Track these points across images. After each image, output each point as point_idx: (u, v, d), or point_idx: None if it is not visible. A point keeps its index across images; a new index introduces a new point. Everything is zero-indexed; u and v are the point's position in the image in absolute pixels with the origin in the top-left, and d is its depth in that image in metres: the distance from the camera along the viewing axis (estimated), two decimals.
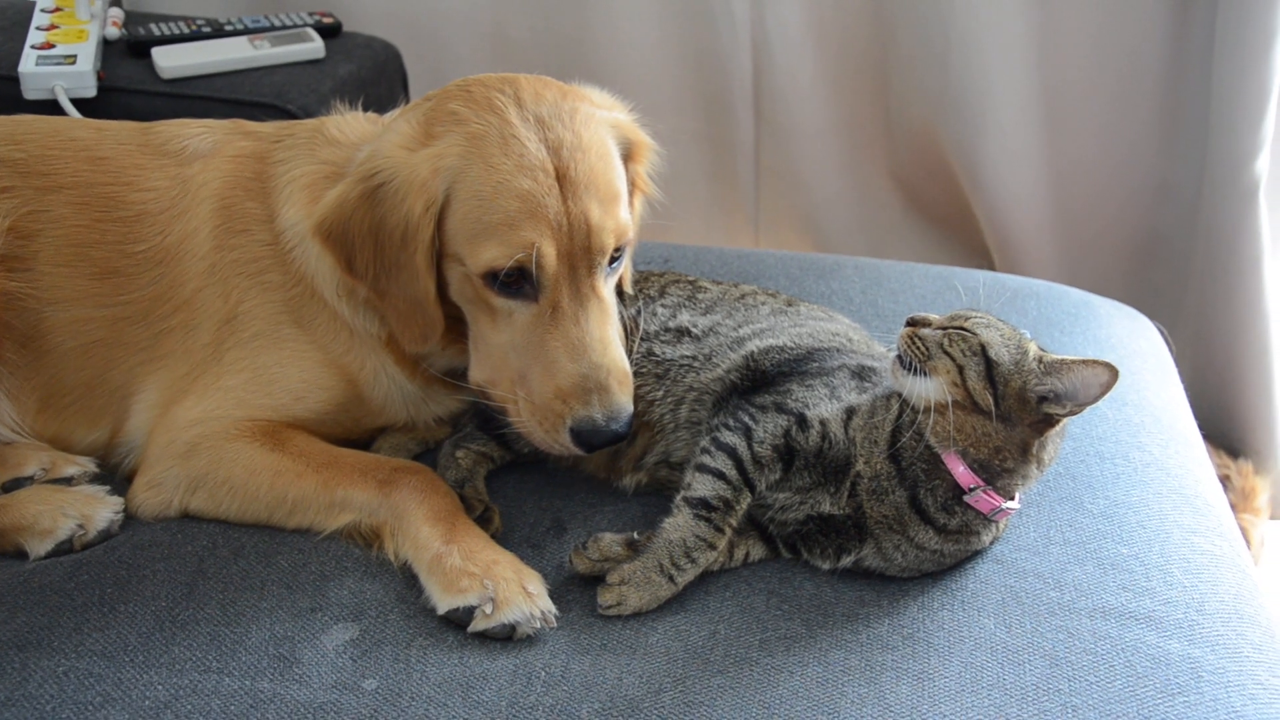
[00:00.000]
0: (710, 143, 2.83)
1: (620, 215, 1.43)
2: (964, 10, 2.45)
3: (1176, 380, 1.89)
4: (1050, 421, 1.33)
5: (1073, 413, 1.32)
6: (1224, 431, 2.54)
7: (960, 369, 1.32)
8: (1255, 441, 2.53)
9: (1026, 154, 2.57)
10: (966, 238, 2.81)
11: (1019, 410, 1.31)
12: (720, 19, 2.64)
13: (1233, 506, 2.15)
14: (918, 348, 1.34)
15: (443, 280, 1.46)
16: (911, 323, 1.37)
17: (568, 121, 1.42)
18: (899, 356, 1.35)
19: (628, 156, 1.51)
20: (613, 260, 1.45)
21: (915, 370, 1.33)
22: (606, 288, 1.45)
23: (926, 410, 1.32)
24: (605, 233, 1.40)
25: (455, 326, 1.50)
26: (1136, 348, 1.89)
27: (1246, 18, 2.21)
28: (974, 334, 1.34)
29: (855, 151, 2.79)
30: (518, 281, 1.40)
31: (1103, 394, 1.29)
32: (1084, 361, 1.29)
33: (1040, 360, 1.32)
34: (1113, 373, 1.28)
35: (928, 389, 1.32)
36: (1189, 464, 1.65)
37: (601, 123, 1.46)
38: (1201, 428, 1.83)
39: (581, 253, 1.40)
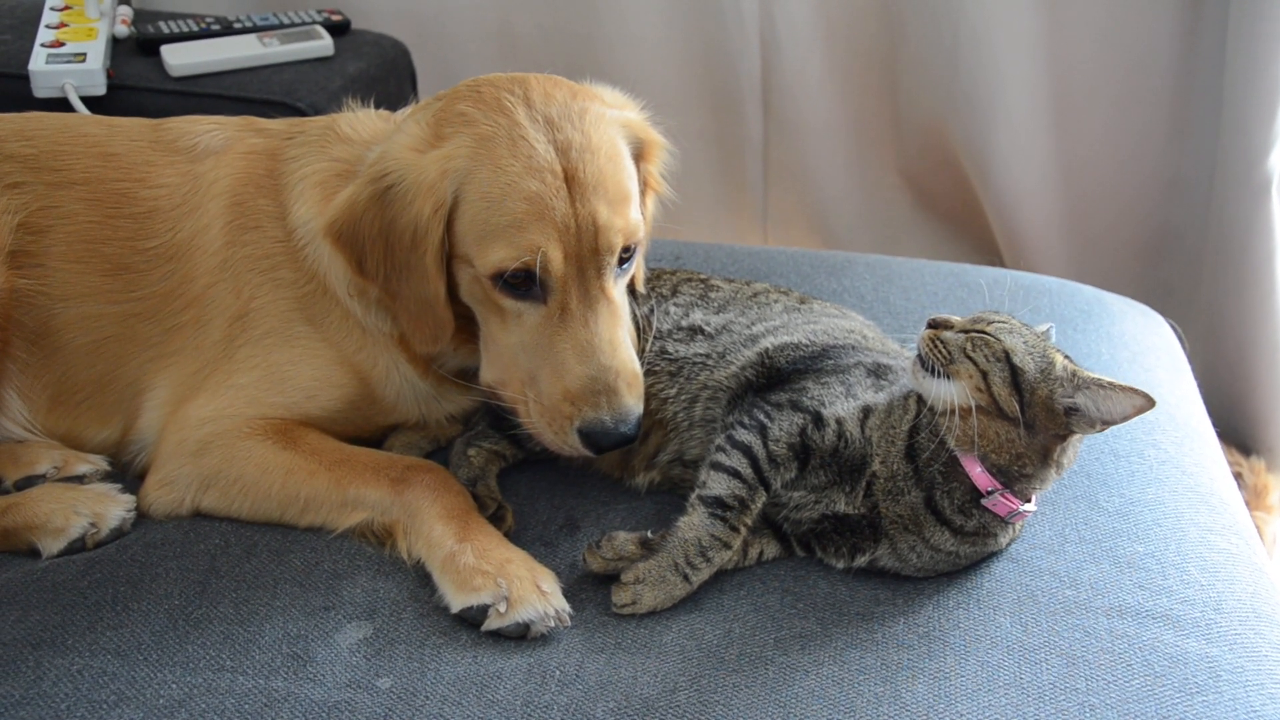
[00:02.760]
0: (719, 139, 2.83)
1: (630, 216, 1.42)
2: (973, 6, 2.44)
3: (1190, 378, 1.88)
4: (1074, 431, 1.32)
5: (1099, 430, 1.31)
6: (1236, 428, 2.54)
7: (984, 374, 1.30)
8: (1268, 438, 2.52)
9: (1036, 150, 2.57)
10: (975, 234, 2.80)
11: (1045, 419, 1.30)
12: (728, 15, 2.64)
13: (1245, 504, 2.15)
14: (939, 351, 1.32)
15: (453, 281, 1.46)
16: (933, 325, 1.36)
17: (577, 122, 1.41)
18: (920, 358, 1.34)
19: (639, 155, 1.50)
20: (623, 261, 1.45)
21: (937, 373, 1.32)
22: (617, 289, 1.44)
23: (948, 413, 1.31)
24: (613, 233, 1.40)
25: (467, 327, 1.50)
26: (1150, 344, 1.88)
27: (1259, 12, 2.21)
28: (997, 339, 1.32)
29: (864, 148, 2.79)
30: (526, 283, 1.40)
31: (1134, 415, 1.28)
32: (1122, 387, 1.27)
33: (1074, 375, 1.30)
34: (1149, 402, 1.26)
35: (950, 392, 1.31)
36: (1204, 461, 1.64)
37: (612, 122, 1.45)
38: (1214, 425, 1.82)
39: (590, 254, 1.39)
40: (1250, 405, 2.52)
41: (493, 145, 1.39)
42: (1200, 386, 1.90)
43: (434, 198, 1.39)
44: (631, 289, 1.56)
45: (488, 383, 1.49)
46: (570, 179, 1.38)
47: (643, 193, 1.52)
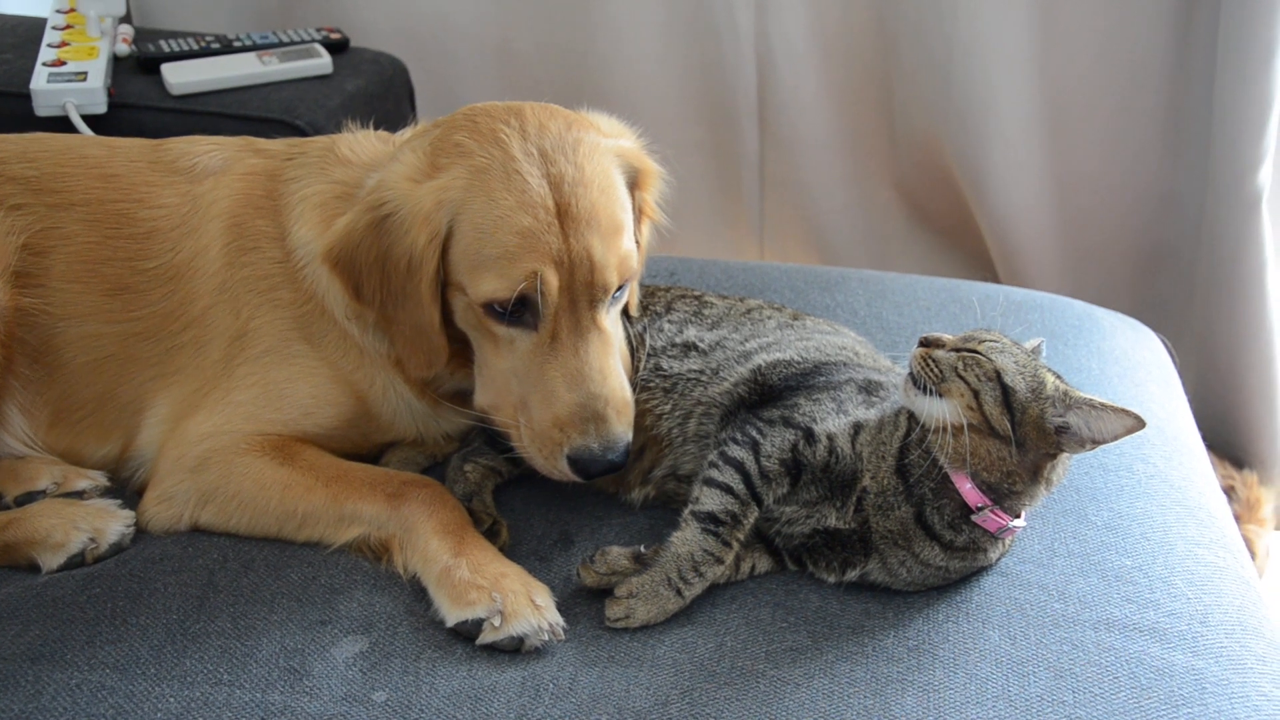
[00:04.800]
0: (715, 155, 2.85)
1: (623, 247, 1.43)
2: (967, 22, 2.46)
3: (1180, 392, 1.89)
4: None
5: (1090, 449, 1.32)
6: (1228, 442, 2.55)
7: (975, 393, 1.31)
8: (1260, 452, 2.53)
9: (1030, 165, 2.58)
10: (970, 249, 2.82)
11: (1036, 438, 1.31)
12: (724, 32, 2.66)
13: (1237, 517, 2.16)
14: (931, 370, 1.33)
15: (448, 307, 1.48)
16: (924, 343, 1.37)
17: (570, 154, 1.42)
18: (912, 376, 1.35)
19: (635, 184, 1.51)
20: (617, 290, 1.46)
21: (928, 391, 1.33)
22: (609, 319, 1.46)
23: (939, 430, 1.32)
24: (608, 270, 1.41)
25: (464, 351, 1.51)
26: (1140, 359, 1.90)
27: (1248, 29, 2.23)
28: (988, 359, 1.33)
29: (859, 163, 2.80)
30: (518, 310, 1.41)
31: (1125, 435, 1.29)
32: (1114, 408, 1.28)
33: (1065, 395, 1.31)
34: (1140, 422, 1.27)
35: (942, 410, 1.32)
36: (1192, 476, 1.65)
37: (606, 153, 1.46)
38: (1206, 438, 1.84)
39: (583, 288, 1.41)
40: (1242, 418, 2.53)
41: (487, 177, 1.40)
42: (1193, 400, 1.92)
43: (429, 228, 1.41)
44: (625, 310, 1.57)
45: (481, 407, 1.50)
46: (563, 213, 1.39)
47: (638, 220, 1.53)
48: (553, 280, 1.38)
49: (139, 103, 2.17)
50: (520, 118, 1.45)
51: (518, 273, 1.38)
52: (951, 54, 2.50)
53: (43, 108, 2.08)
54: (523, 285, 1.38)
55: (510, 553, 1.46)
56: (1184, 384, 1.94)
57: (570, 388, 1.41)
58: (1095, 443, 1.31)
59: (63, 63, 2.15)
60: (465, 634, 1.35)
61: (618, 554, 1.41)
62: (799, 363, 1.50)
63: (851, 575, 1.39)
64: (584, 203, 1.40)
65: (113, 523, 1.50)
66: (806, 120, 2.73)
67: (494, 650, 1.34)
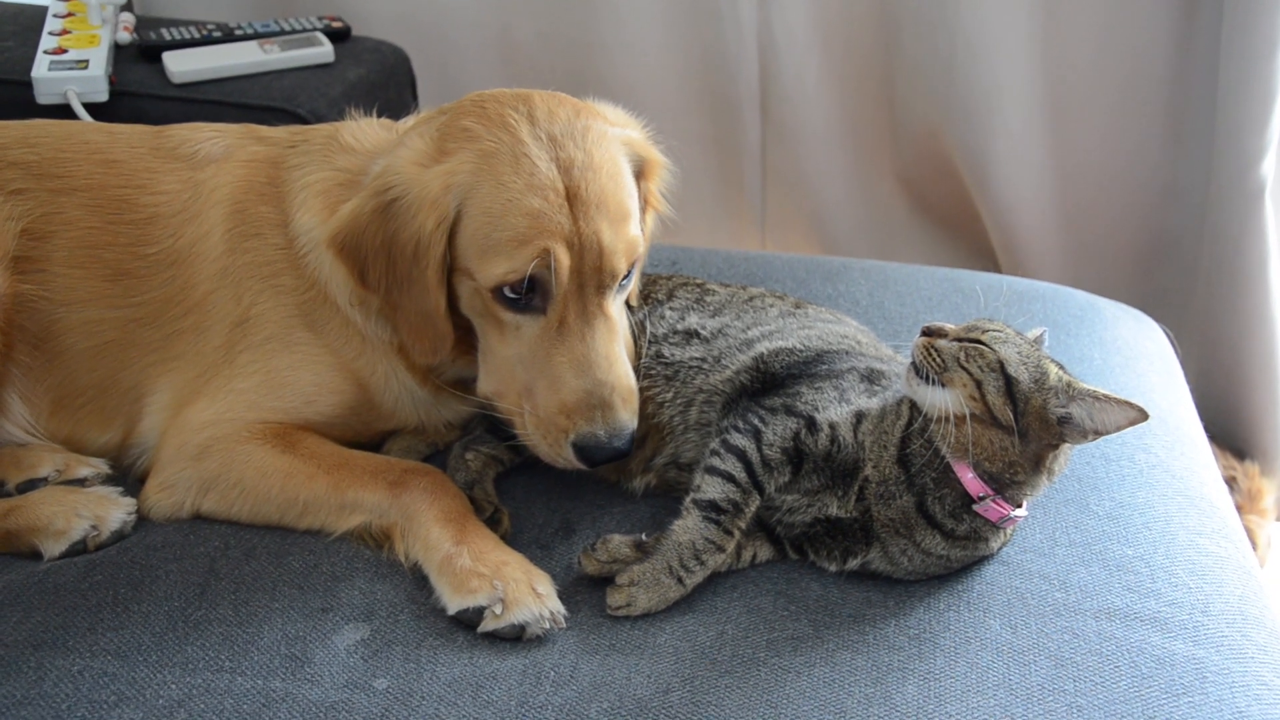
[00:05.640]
0: (717, 145, 2.85)
1: (630, 234, 1.43)
2: (969, 13, 2.46)
3: (1182, 382, 1.89)
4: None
5: (1091, 440, 1.32)
6: (1230, 433, 2.55)
7: (978, 383, 1.31)
8: (1262, 443, 2.53)
9: (1032, 156, 2.58)
10: (972, 240, 2.82)
11: (1039, 428, 1.31)
12: (726, 22, 2.65)
13: (1239, 508, 2.16)
14: (933, 359, 1.33)
15: (453, 294, 1.48)
16: (927, 332, 1.37)
17: (579, 140, 1.42)
18: (914, 365, 1.35)
19: (640, 174, 1.51)
20: (624, 277, 1.46)
21: (931, 380, 1.33)
22: (615, 306, 1.46)
23: (941, 420, 1.32)
24: (617, 256, 1.41)
25: (466, 338, 1.51)
26: (1142, 350, 1.90)
27: (1252, 20, 2.22)
28: (991, 349, 1.33)
29: (861, 154, 2.80)
30: (526, 295, 1.41)
31: (1127, 427, 1.29)
32: (1117, 400, 1.28)
33: (1069, 386, 1.31)
34: (1142, 414, 1.27)
35: (945, 400, 1.32)
36: (1194, 466, 1.65)
37: (614, 141, 1.46)
38: (1208, 429, 1.83)
39: (591, 273, 1.41)
40: (1245, 409, 2.53)
41: (495, 161, 1.40)
42: (1195, 391, 1.92)
43: (437, 212, 1.40)
44: (626, 302, 1.57)
45: (485, 394, 1.50)
46: (572, 197, 1.39)
47: (643, 210, 1.53)
48: (564, 259, 1.38)
49: (140, 91, 2.18)
50: (529, 104, 1.44)
51: (529, 252, 1.38)
52: (954, 44, 2.50)
53: (44, 95, 2.08)
54: (535, 263, 1.37)
55: (512, 541, 1.46)
56: (1186, 375, 1.94)
57: (577, 374, 1.41)
58: (1097, 434, 1.31)
59: (64, 51, 2.15)
60: (466, 622, 1.35)
61: (619, 542, 1.41)
62: (801, 351, 1.50)
63: (853, 564, 1.40)
64: (593, 188, 1.40)
65: (114, 510, 1.50)
66: (809, 110, 2.73)
67: (495, 638, 1.34)
